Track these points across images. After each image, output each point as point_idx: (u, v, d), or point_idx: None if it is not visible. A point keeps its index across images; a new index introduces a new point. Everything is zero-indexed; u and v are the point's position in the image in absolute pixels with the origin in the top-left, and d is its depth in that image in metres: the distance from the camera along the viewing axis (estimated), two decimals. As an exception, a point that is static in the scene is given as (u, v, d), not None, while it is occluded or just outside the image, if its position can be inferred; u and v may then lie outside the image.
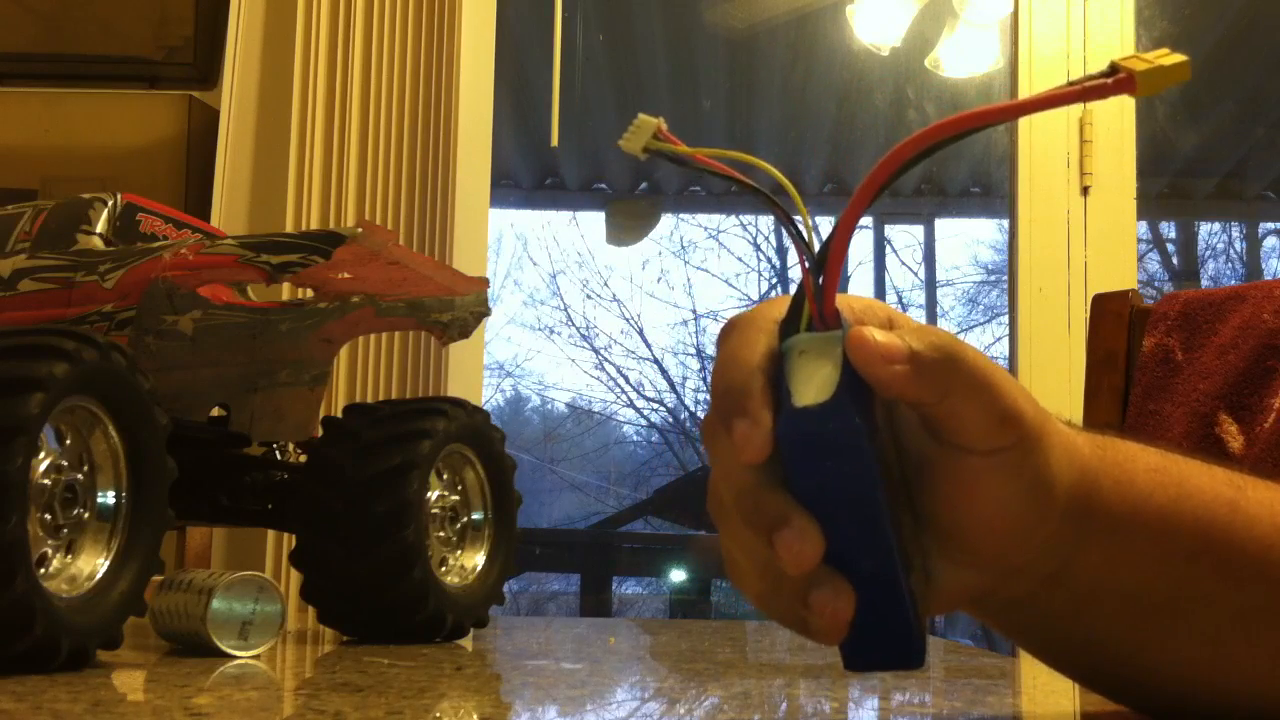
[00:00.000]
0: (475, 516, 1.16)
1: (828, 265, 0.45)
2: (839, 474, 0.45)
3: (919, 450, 0.48)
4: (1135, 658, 0.54)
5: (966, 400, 0.45)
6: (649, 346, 6.33)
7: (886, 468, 0.46)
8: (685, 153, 0.47)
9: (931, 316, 6.16)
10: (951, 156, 4.67)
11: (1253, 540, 0.52)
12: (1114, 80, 0.43)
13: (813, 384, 0.45)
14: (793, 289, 0.47)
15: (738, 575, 0.49)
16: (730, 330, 0.48)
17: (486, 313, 1.20)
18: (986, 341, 6.06)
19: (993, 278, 5.92)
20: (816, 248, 0.46)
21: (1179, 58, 0.43)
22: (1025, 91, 2.31)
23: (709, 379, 0.48)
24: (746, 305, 6.14)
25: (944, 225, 5.66)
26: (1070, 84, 0.43)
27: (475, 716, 0.67)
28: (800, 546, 0.44)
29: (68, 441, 0.82)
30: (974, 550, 0.48)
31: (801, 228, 0.45)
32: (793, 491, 0.46)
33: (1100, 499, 0.49)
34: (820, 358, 0.45)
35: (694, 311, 6.25)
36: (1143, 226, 5.54)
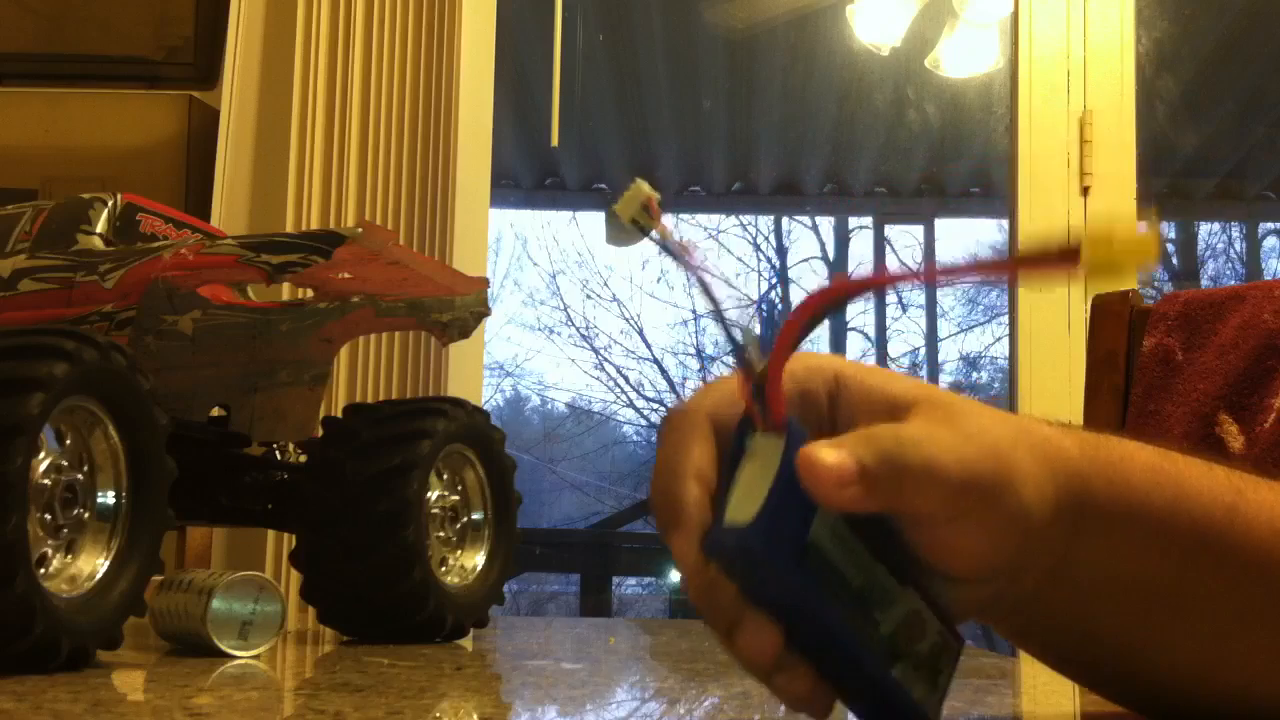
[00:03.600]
0: (475, 516, 1.16)
1: (768, 381, 0.44)
2: (771, 588, 0.44)
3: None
4: (1137, 655, 0.55)
5: (920, 496, 0.45)
6: (649, 346, 6.33)
7: (839, 571, 0.44)
8: (663, 236, 0.47)
9: (931, 316, 6.16)
10: (951, 156, 4.66)
11: (1251, 544, 0.52)
12: (1060, 253, 0.40)
13: (750, 497, 0.44)
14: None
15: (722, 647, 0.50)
16: (666, 430, 0.48)
17: (486, 313, 1.20)
18: (986, 341, 6.07)
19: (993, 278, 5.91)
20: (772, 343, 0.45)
21: (1146, 246, 0.40)
22: (1025, 91, 2.31)
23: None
24: (746, 305, 6.14)
25: (944, 225, 5.65)
26: (1018, 257, 0.42)
27: (475, 716, 0.67)
28: (757, 646, 0.45)
29: (68, 441, 0.82)
30: (964, 579, 0.48)
31: (750, 351, 0.44)
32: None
33: (1093, 500, 0.49)
34: (765, 466, 0.44)
35: (694, 311, 6.25)
36: (1143, 227, 5.51)
